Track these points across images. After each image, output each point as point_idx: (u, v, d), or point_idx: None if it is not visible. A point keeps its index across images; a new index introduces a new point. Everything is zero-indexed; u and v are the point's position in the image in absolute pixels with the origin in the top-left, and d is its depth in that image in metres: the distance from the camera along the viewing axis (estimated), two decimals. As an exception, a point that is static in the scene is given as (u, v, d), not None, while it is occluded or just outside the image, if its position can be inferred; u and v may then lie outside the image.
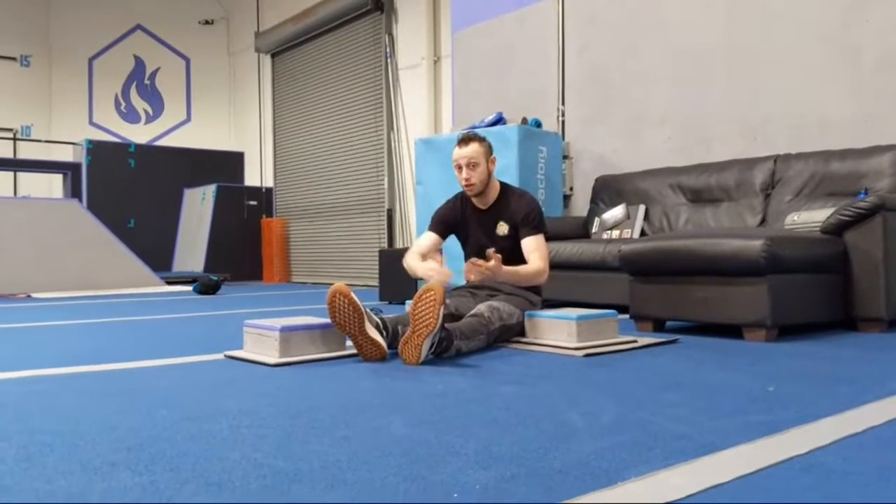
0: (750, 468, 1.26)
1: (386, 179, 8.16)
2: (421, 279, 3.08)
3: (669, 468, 1.26)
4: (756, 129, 4.57)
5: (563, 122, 5.76)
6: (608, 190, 5.14)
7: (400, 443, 1.45)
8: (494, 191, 3.16)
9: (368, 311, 2.57)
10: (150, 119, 11.73)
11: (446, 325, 2.56)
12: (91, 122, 11.46)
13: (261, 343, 2.60)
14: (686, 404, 1.80)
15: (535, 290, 3.15)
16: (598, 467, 1.27)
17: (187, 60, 11.84)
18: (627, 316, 3.50)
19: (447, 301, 2.63)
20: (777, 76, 4.48)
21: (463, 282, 3.12)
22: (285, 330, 2.53)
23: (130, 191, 9.85)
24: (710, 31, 4.82)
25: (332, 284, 2.56)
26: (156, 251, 9.48)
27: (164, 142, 11.40)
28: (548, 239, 3.12)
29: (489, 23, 6.40)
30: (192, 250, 9.91)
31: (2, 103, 10.92)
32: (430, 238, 3.21)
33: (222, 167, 10.55)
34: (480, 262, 2.79)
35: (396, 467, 1.28)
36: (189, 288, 7.54)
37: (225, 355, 2.71)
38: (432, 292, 2.40)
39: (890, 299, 3.21)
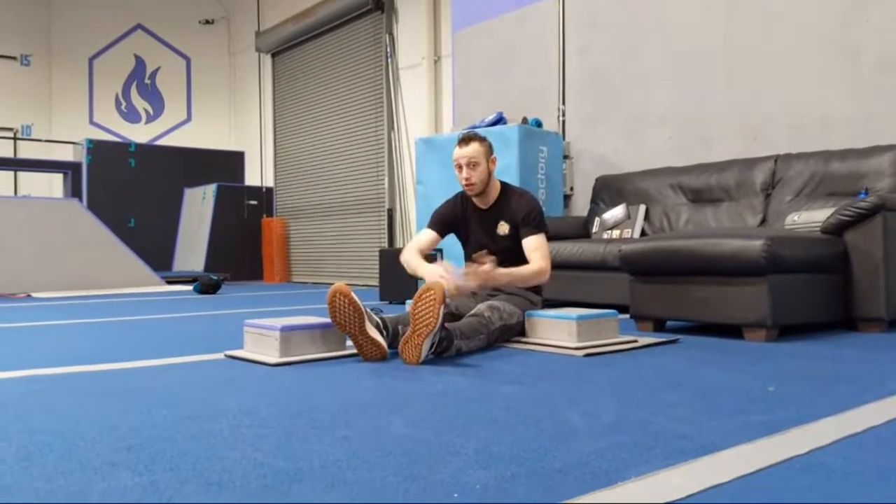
0: (750, 468, 1.26)
1: (386, 179, 8.16)
2: (421, 279, 3.07)
3: (670, 468, 1.26)
4: (756, 130, 4.57)
5: (563, 121, 5.76)
6: (609, 190, 5.14)
7: (400, 442, 1.45)
8: (495, 190, 3.16)
9: (369, 310, 2.58)
10: (150, 119, 11.74)
11: (446, 324, 2.56)
12: (91, 122, 11.46)
13: (261, 343, 2.60)
14: (686, 404, 1.80)
15: (536, 289, 3.15)
16: (598, 467, 1.27)
17: (188, 60, 11.85)
18: (628, 316, 3.50)
19: (447, 301, 2.63)
20: (777, 77, 4.48)
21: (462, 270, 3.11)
22: (285, 330, 2.53)
23: (131, 190, 9.85)
24: (710, 33, 4.82)
25: (332, 284, 2.56)
26: (156, 251, 9.48)
27: (165, 141, 11.40)
28: (549, 238, 3.12)
29: (489, 22, 6.40)
30: (192, 250, 9.91)
31: (2, 103, 10.92)
32: (428, 235, 3.21)
33: (222, 167, 10.55)
34: (481, 255, 2.80)
35: (396, 467, 1.28)
36: (189, 287, 7.54)
37: (225, 355, 2.71)
38: (432, 292, 2.41)
39: (890, 299, 3.21)
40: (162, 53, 11.77)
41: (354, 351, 2.60)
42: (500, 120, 5.27)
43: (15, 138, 10.74)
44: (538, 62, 5.94)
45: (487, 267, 2.79)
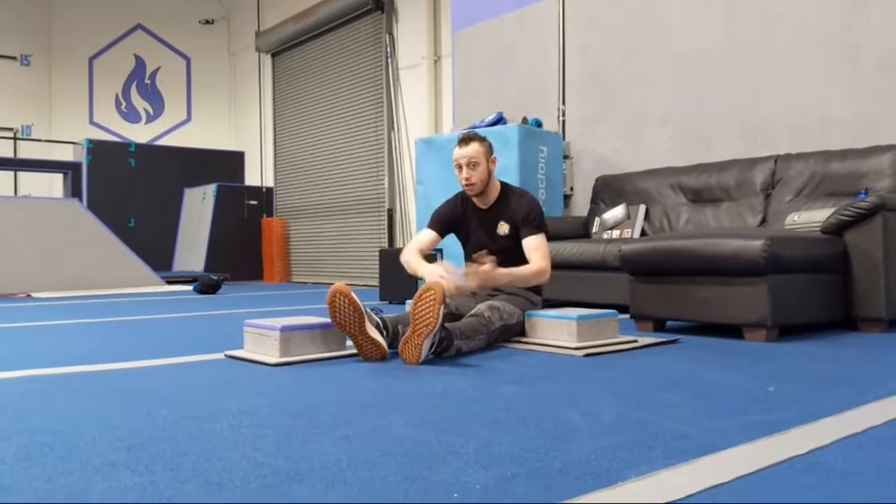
0: (750, 468, 1.26)
1: (386, 179, 8.16)
2: (421, 279, 3.07)
3: (670, 468, 1.26)
4: (756, 130, 4.57)
5: (563, 121, 5.76)
6: (609, 190, 5.14)
7: (400, 442, 1.45)
8: (495, 190, 3.16)
9: (369, 310, 2.58)
10: (150, 119, 11.74)
11: (446, 324, 2.56)
12: (91, 122, 11.46)
13: (261, 343, 2.60)
14: (686, 404, 1.80)
15: (536, 289, 3.15)
16: (598, 467, 1.27)
17: (188, 60, 11.85)
18: (628, 316, 3.50)
19: (447, 301, 2.63)
20: (777, 77, 4.48)
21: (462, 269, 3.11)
22: (285, 329, 2.53)
23: (131, 190, 9.85)
24: (710, 33, 4.82)
25: (332, 284, 2.56)
26: (156, 251, 9.48)
27: (165, 141, 11.40)
28: (549, 238, 3.12)
29: (489, 22, 6.40)
30: (192, 250, 9.91)
31: (2, 103, 10.92)
32: (428, 235, 3.21)
33: (222, 167, 10.55)
34: (481, 255, 2.80)
35: (397, 467, 1.28)
36: (189, 287, 7.54)
37: (225, 355, 2.71)
38: (432, 292, 2.41)
39: (890, 299, 3.21)
40: (162, 53, 11.77)
41: (354, 351, 2.60)
42: (500, 120, 5.27)
43: (15, 138, 10.74)
44: (538, 62, 5.94)
45: (487, 267, 2.79)
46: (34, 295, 6.78)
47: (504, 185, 3.21)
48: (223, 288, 7.52)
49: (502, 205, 3.14)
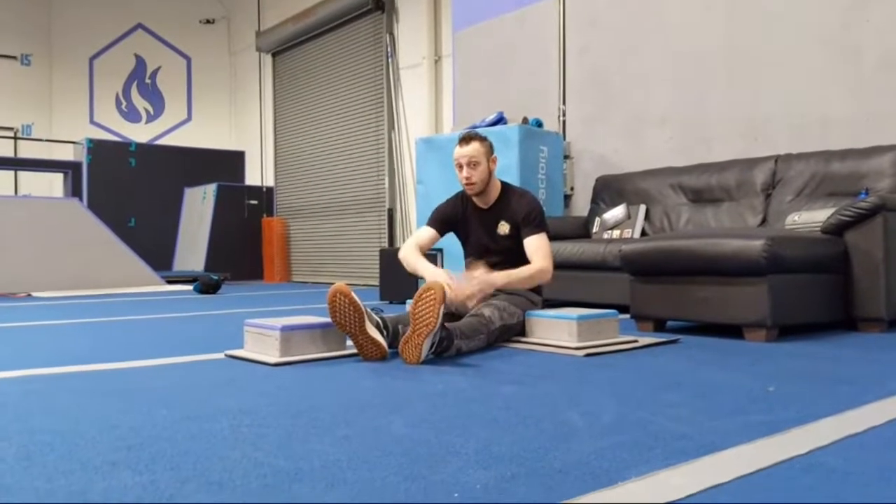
0: (750, 468, 1.26)
1: (387, 179, 8.16)
2: (421, 278, 3.07)
3: (670, 468, 1.26)
4: (757, 130, 4.57)
5: (563, 121, 5.76)
6: (609, 190, 5.14)
7: (400, 442, 1.45)
8: (495, 190, 3.15)
9: (369, 310, 2.57)
10: (150, 118, 11.74)
11: (447, 324, 2.56)
12: (92, 121, 11.46)
13: (261, 342, 2.60)
14: (686, 404, 1.80)
15: (536, 289, 3.15)
16: (598, 467, 1.27)
17: (188, 60, 11.85)
18: (628, 316, 3.50)
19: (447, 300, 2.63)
20: (777, 77, 4.48)
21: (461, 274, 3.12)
22: (286, 329, 2.53)
23: (131, 190, 9.85)
24: (710, 33, 4.82)
25: (332, 284, 2.56)
26: (156, 250, 9.49)
27: (165, 141, 11.40)
28: (550, 238, 3.12)
29: (490, 22, 6.40)
30: (192, 249, 9.91)
31: (2, 102, 10.92)
32: (428, 233, 3.21)
33: (223, 166, 10.55)
34: (473, 265, 2.82)
35: (397, 467, 1.28)
36: (189, 287, 7.54)
37: (225, 354, 2.71)
38: (432, 291, 2.40)
39: (890, 299, 3.21)
40: (162, 53, 11.77)
41: (354, 351, 2.60)
42: (500, 120, 5.27)
43: (15, 138, 10.74)
44: (538, 62, 5.94)
45: (481, 272, 2.81)
46: (34, 294, 6.79)
47: (504, 184, 3.21)
48: (223, 288, 7.52)
49: (503, 204, 3.14)
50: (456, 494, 1.14)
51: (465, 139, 3.08)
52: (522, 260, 3.05)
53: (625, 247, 3.51)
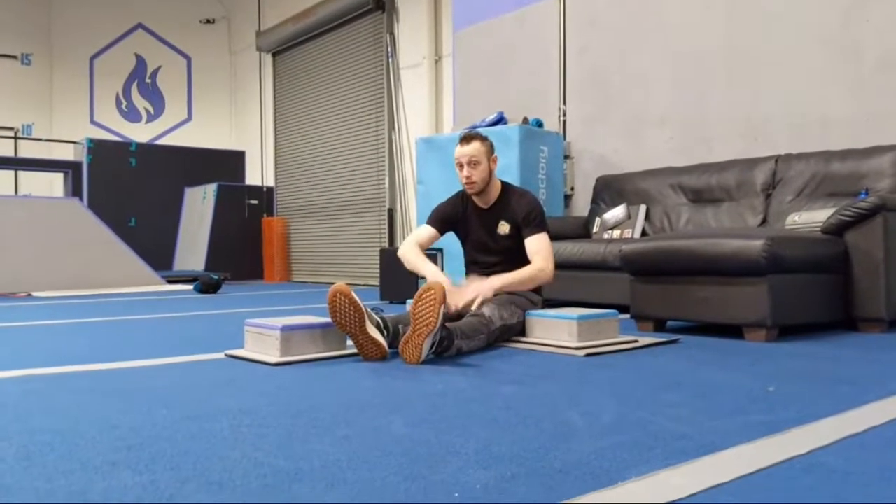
0: (750, 468, 1.26)
1: (387, 179, 8.16)
2: (422, 278, 3.07)
3: (670, 468, 1.26)
4: (757, 130, 4.57)
5: (564, 121, 5.76)
6: (609, 190, 5.14)
7: (400, 442, 1.45)
8: (496, 190, 3.16)
9: (369, 310, 2.57)
10: (151, 118, 11.74)
11: (447, 324, 2.56)
12: (92, 121, 11.46)
13: (261, 342, 2.60)
14: (686, 404, 1.80)
15: (536, 289, 3.15)
16: (598, 467, 1.27)
17: (188, 59, 11.85)
18: (628, 316, 3.50)
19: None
20: (777, 77, 4.47)
21: (462, 281, 3.12)
22: (286, 329, 2.53)
23: (131, 190, 9.85)
24: (710, 33, 4.82)
25: (332, 284, 2.56)
26: (156, 250, 9.49)
27: (165, 141, 11.40)
28: (551, 238, 3.12)
29: (490, 22, 6.40)
30: (192, 249, 9.91)
31: (3, 102, 10.92)
32: (428, 231, 3.21)
33: (223, 166, 10.55)
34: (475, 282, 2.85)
35: (397, 467, 1.28)
36: (190, 287, 7.54)
37: (226, 354, 2.71)
38: (433, 291, 2.40)
39: (890, 299, 3.21)
40: (163, 53, 11.77)
41: (355, 350, 2.60)
42: (500, 120, 5.27)
43: (16, 137, 10.74)
44: (539, 62, 5.94)
45: (476, 286, 2.84)
46: (35, 294, 6.79)
47: (505, 184, 3.21)
48: (223, 287, 7.52)
49: (503, 204, 3.14)
50: (456, 494, 1.14)
51: (467, 138, 3.08)
52: (523, 260, 3.05)
53: (625, 247, 3.51)
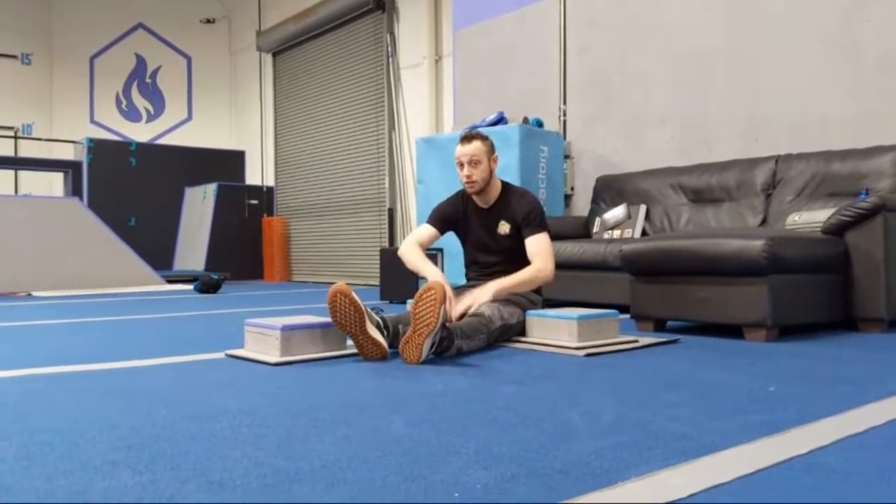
0: (751, 468, 1.26)
1: (387, 178, 8.16)
2: (422, 278, 3.07)
3: (670, 468, 1.26)
4: (757, 130, 4.57)
5: (564, 121, 5.76)
6: (609, 190, 5.14)
7: (400, 442, 1.45)
8: (496, 190, 3.16)
9: (369, 310, 2.57)
10: (151, 118, 11.74)
11: (447, 324, 2.56)
12: (92, 121, 11.46)
13: (262, 342, 2.60)
14: (686, 404, 1.80)
15: (537, 289, 3.15)
16: (598, 467, 1.27)
17: (189, 59, 11.85)
18: (628, 316, 3.50)
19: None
20: (777, 77, 4.47)
21: (462, 281, 3.12)
22: (286, 329, 2.53)
23: (131, 189, 9.85)
24: (710, 33, 4.82)
25: (332, 284, 2.56)
26: (157, 250, 9.49)
27: (166, 140, 11.40)
28: (551, 238, 3.12)
29: (490, 22, 6.40)
30: (192, 249, 9.91)
31: (3, 102, 10.92)
32: (428, 231, 3.21)
33: (223, 166, 10.55)
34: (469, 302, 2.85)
35: (397, 467, 1.28)
36: (190, 287, 7.54)
37: (226, 354, 2.71)
38: (433, 291, 2.40)
39: (890, 299, 3.21)
40: (163, 52, 11.77)
41: (355, 350, 2.60)
42: (500, 119, 5.27)
43: (16, 137, 10.74)
44: (539, 62, 5.94)
45: (476, 293, 2.85)
46: (35, 294, 6.79)
47: (505, 184, 3.21)
48: (224, 287, 7.52)
49: (503, 204, 3.14)
50: (456, 494, 1.14)
51: (467, 138, 3.08)
52: (523, 260, 3.05)
53: (625, 247, 3.51)
